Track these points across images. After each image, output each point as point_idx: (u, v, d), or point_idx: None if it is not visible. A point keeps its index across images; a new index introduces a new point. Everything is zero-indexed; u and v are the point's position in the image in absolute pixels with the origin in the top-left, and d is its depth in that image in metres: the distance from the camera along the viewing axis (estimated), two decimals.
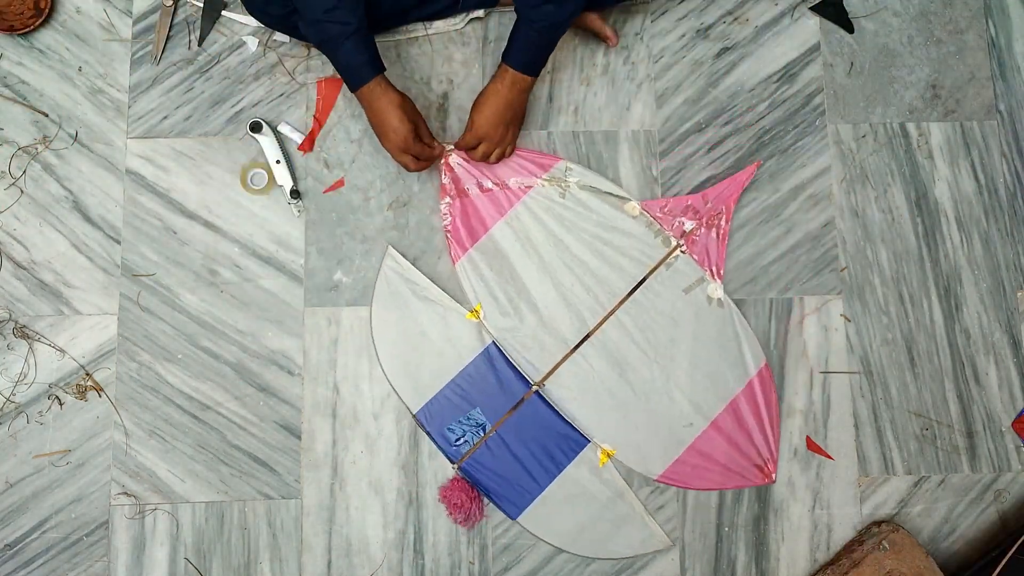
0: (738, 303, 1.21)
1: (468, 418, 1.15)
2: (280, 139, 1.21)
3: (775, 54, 1.27)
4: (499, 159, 1.18)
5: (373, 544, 1.15)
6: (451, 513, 1.15)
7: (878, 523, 1.18)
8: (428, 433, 1.16)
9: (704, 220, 1.19)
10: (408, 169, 1.12)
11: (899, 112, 1.27)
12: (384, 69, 1.07)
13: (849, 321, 1.22)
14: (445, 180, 1.19)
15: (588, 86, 1.26)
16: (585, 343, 1.17)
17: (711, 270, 1.19)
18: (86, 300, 1.18)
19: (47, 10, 1.21)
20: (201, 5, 1.24)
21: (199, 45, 1.24)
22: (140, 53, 1.23)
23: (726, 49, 1.27)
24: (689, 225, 1.19)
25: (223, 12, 1.24)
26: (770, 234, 1.23)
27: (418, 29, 1.25)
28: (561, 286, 1.18)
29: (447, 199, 1.19)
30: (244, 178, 1.21)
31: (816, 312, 1.22)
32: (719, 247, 1.19)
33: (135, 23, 1.24)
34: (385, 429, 1.17)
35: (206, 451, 1.16)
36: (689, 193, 1.22)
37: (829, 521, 1.18)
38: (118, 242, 1.19)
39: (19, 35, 1.22)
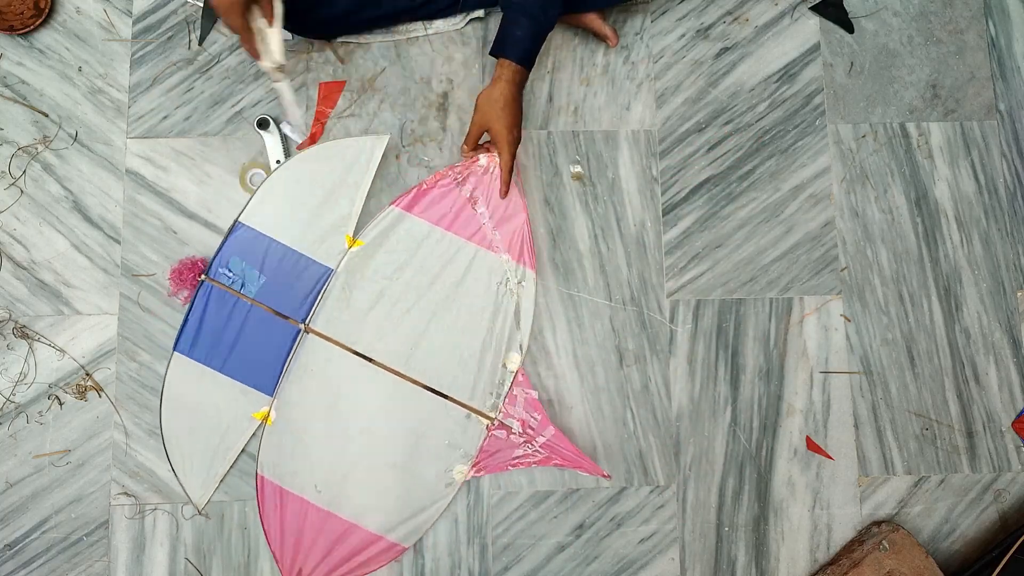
0: (738, 303, 1.21)
1: (248, 271, 1.14)
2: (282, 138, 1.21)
3: (775, 54, 1.27)
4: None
5: None
6: (171, 277, 1.16)
7: (878, 523, 1.18)
8: (224, 241, 1.14)
9: (527, 439, 1.14)
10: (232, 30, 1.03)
11: (899, 112, 1.27)
12: None
13: (849, 321, 1.22)
14: (482, 162, 1.16)
15: (588, 86, 1.25)
16: (363, 361, 1.14)
17: (477, 465, 1.14)
18: (86, 300, 1.18)
19: (47, 10, 1.21)
20: (201, 5, 1.24)
21: (199, 45, 1.24)
22: (140, 53, 1.23)
23: (726, 49, 1.27)
24: (515, 427, 1.14)
25: None
26: (770, 234, 1.23)
27: (418, 29, 1.25)
28: (410, 314, 1.15)
29: (454, 175, 1.17)
30: (244, 178, 1.21)
31: (816, 312, 1.22)
32: (512, 464, 1.14)
33: (135, 23, 1.24)
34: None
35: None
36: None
37: (829, 521, 1.18)
38: (118, 242, 1.19)
39: (19, 35, 1.22)
